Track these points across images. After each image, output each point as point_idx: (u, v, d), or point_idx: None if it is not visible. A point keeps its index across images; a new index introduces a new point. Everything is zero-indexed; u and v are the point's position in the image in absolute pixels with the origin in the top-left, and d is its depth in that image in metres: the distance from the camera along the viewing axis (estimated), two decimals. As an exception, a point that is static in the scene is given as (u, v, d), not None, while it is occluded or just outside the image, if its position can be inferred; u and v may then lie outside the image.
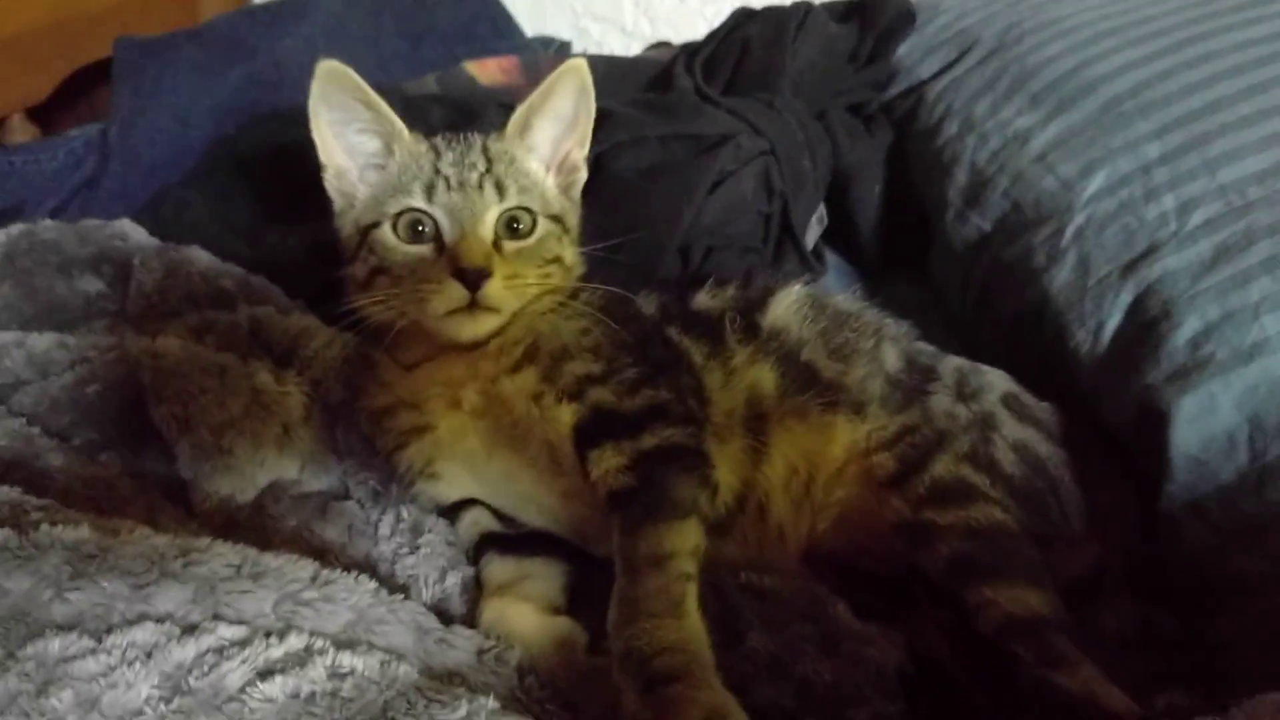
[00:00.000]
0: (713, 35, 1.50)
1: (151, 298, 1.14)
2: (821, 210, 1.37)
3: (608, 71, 1.61)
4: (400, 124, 0.99)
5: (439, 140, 1.00)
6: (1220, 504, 0.91)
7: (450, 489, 1.00)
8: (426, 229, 0.95)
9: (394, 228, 0.95)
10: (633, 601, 0.80)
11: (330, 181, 1.02)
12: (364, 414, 1.02)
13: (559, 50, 1.95)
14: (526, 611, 0.92)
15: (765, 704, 0.83)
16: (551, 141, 1.05)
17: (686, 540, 0.84)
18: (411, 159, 0.98)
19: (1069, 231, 1.10)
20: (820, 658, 0.88)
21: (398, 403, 0.98)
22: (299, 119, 1.46)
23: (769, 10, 1.47)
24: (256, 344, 1.07)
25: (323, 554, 0.96)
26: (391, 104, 1.45)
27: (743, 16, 1.49)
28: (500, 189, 0.97)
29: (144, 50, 1.48)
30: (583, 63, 1.02)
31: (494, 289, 0.92)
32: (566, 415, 0.92)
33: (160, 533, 0.82)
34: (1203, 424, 0.92)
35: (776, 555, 0.98)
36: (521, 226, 0.97)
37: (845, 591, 0.93)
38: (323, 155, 1.01)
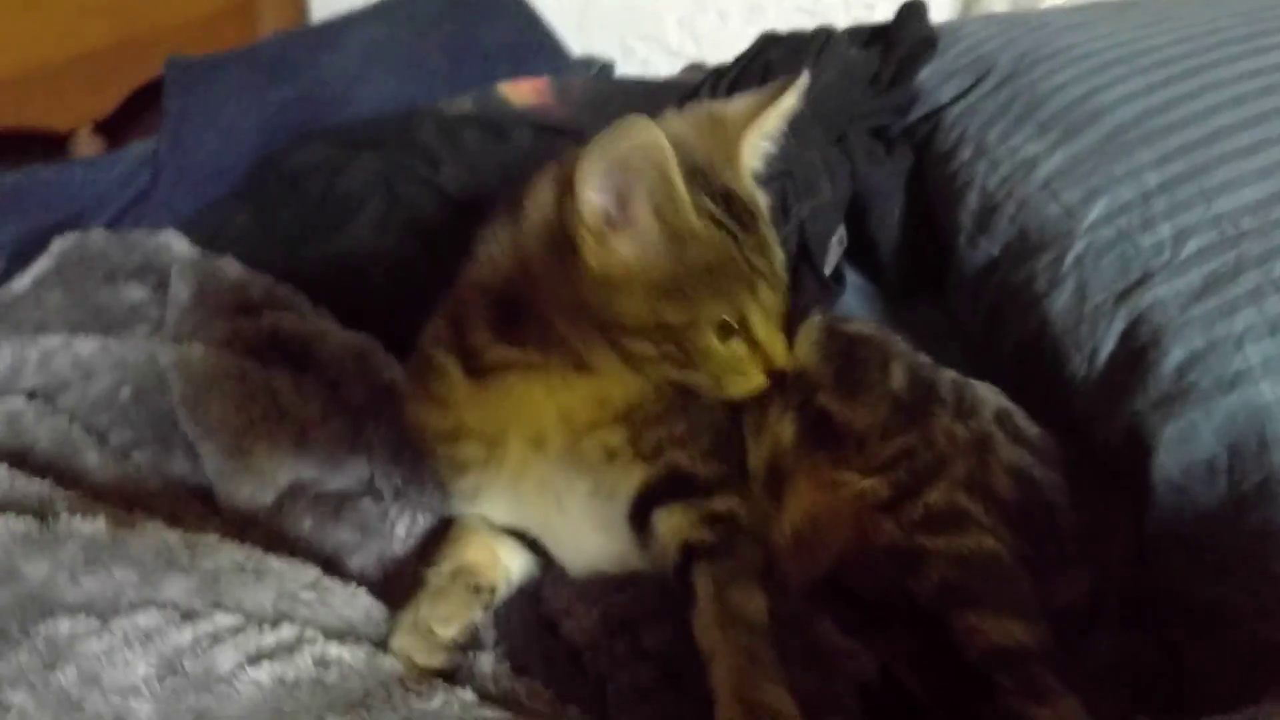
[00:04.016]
0: (738, 59, 1.54)
1: (185, 306, 1.20)
2: (841, 231, 1.40)
3: (643, 94, 1.66)
4: (688, 200, 0.86)
5: (716, 210, 0.89)
6: (1200, 533, 0.92)
7: (493, 514, 0.99)
8: (736, 325, 0.91)
9: (711, 328, 0.90)
10: (750, 663, 0.81)
11: (588, 236, 0.87)
12: (417, 432, 1.00)
13: (601, 71, 2.00)
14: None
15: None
16: (763, 156, 1.01)
17: (766, 605, 0.86)
18: (711, 248, 0.88)
19: (1069, 258, 1.11)
20: (802, 669, 0.91)
21: (463, 429, 0.95)
22: (340, 137, 1.55)
23: (792, 35, 1.50)
24: (276, 349, 1.12)
25: (335, 556, 1.02)
26: (426, 123, 1.54)
27: (767, 41, 1.52)
28: (782, 260, 0.95)
29: (193, 69, 1.56)
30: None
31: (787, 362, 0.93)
32: (638, 474, 0.93)
33: (172, 529, 0.88)
34: (1184, 452, 0.94)
35: (782, 592, 0.99)
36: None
37: (830, 606, 0.96)
38: (585, 210, 0.85)
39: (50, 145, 1.92)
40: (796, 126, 1.27)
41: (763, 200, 0.98)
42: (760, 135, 0.97)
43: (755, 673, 0.81)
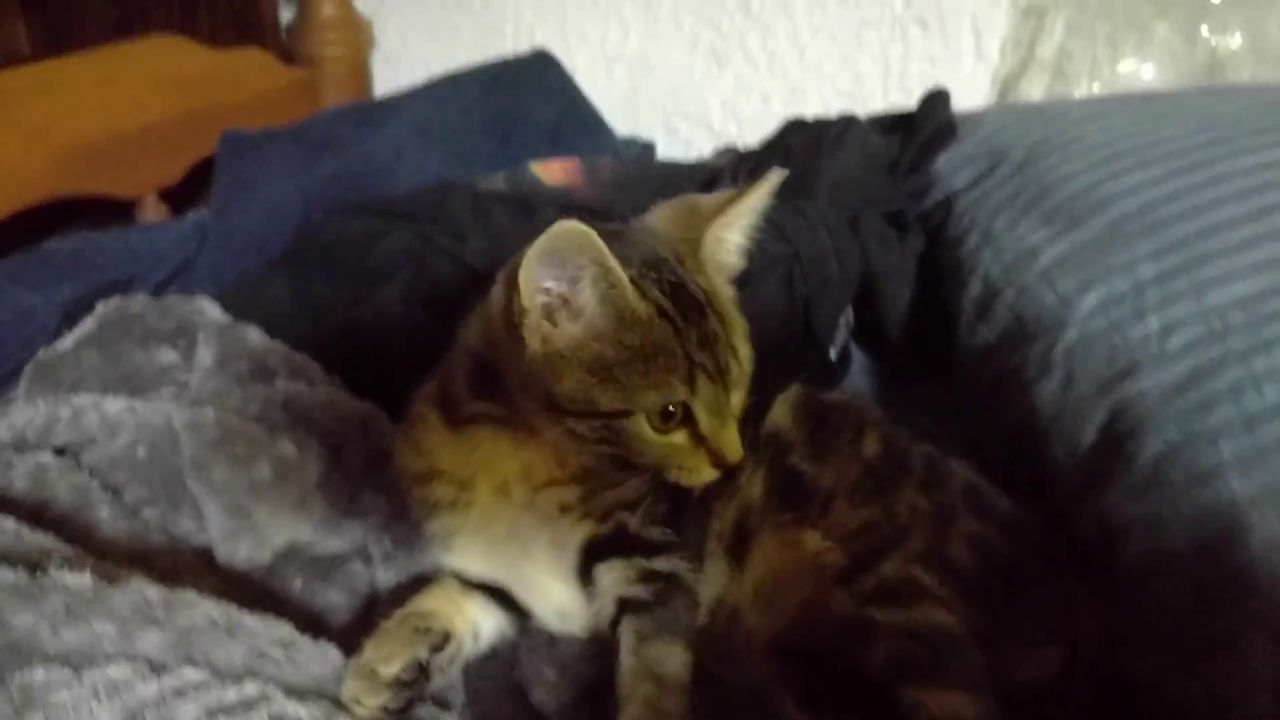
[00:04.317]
0: (764, 144, 1.57)
1: (208, 369, 1.26)
2: (849, 313, 1.41)
3: (667, 176, 1.71)
4: (630, 287, 0.88)
5: (662, 300, 0.91)
6: (1165, 627, 0.92)
7: (465, 564, 1.04)
8: (678, 414, 0.92)
9: (648, 419, 0.92)
10: (653, 715, 0.84)
11: (529, 324, 0.91)
12: (398, 475, 1.06)
13: (642, 152, 2.05)
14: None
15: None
16: (737, 251, 1.02)
17: (688, 662, 0.89)
18: (651, 335, 0.90)
19: (1059, 348, 1.12)
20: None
21: (436, 472, 1.02)
22: (376, 208, 1.61)
23: (816, 122, 1.54)
24: (288, 417, 1.17)
25: (321, 616, 1.06)
26: (459, 198, 1.60)
27: (792, 127, 1.56)
28: (737, 357, 0.95)
29: (245, 143, 1.64)
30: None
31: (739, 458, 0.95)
32: (585, 530, 0.97)
33: (153, 584, 0.92)
34: (1152, 543, 0.93)
35: (743, 652, 1.01)
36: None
37: (788, 672, 0.97)
38: (526, 301, 0.90)
39: (117, 212, 2.02)
40: (805, 209, 1.31)
41: (727, 295, 0.99)
42: (725, 229, 0.99)
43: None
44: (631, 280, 0.90)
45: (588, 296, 0.89)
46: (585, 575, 0.97)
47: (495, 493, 0.99)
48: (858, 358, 1.45)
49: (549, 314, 0.90)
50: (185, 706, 0.81)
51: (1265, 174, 1.13)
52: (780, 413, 1.07)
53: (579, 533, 0.97)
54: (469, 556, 1.03)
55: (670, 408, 0.92)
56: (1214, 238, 1.09)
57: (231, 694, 0.83)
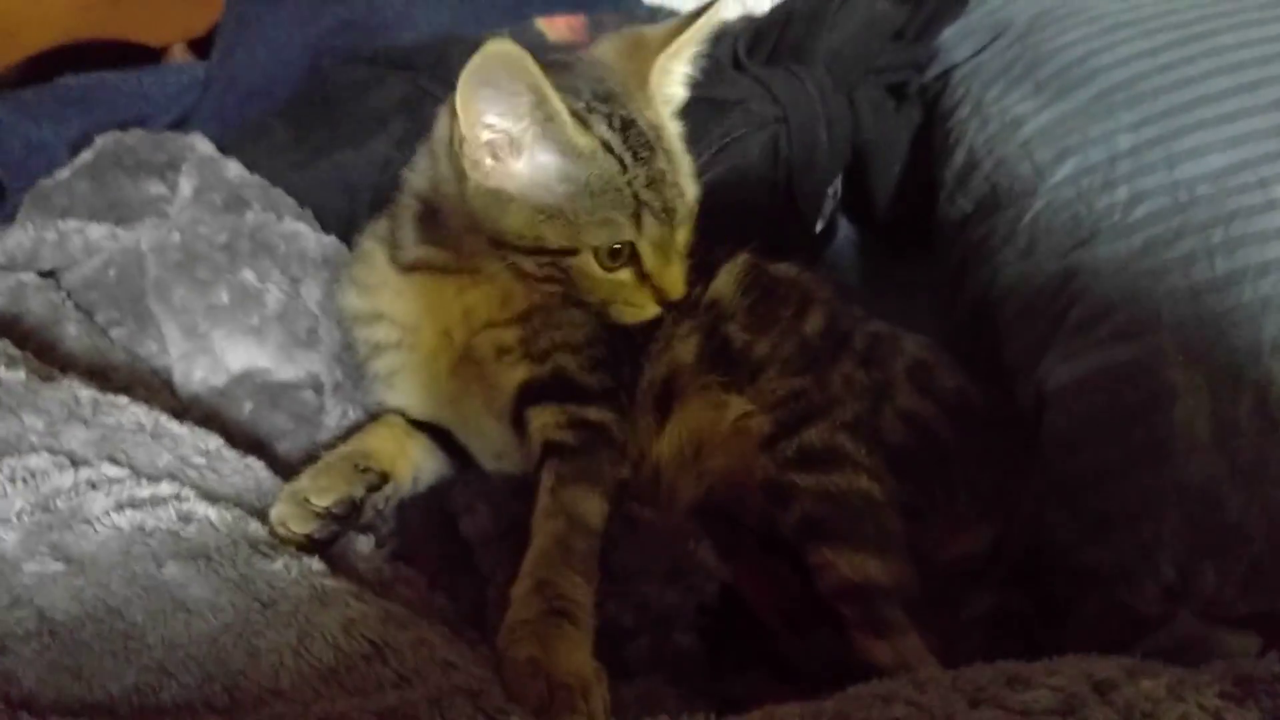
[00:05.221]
0: (773, 7, 1.53)
1: (186, 199, 1.27)
2: (837, 183, 1.39)
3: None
4: (569, 120, 0.88)
5: (610, 135, 0.91)
6: (1085, 492, 0.90)
7: (407, 403, 1.05)
8: (624, 251, 0.93)
9: (595, 256, 0.93)
10: (558, 549, 0.85)
11: (469, 154, 0.91)
12: (341, 314, 1.09)
13: (655, 13, 1.99)
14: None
15: (607, 621, 0.88)
16: (683, 82, 1.02)
17: (604, 511, 0.90)
18: (596, 171, 0.90)
19: (1027, 216, 1.09)
20: (664, 584, 0.93)
21: (379, 315, 1.04)
22: (377, 58, 1.60)
23: (821, -14, 1.49)
24: (253, 246, 1.18)
25: (266, 440, 1.09)
26: (458, 51, 1.58)
27: (798, -9, 1.51)
28: (683, 196, 0.95)
29: (255, -13, 1.64)
30: None
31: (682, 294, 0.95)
32: (521, 373, 0.98)
33: (86, 386, 0.95)
34: (1077, 405, 0.92)
35: (667, 507, 1.02)
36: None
37: (708, 527, 0.97)
38: (465, 129, 0.89)
39: (146, 59, 2.03)
40: (799, 73, 1.28)
41: (674, 130, 0.98)
42: (672, 60, 0.98)
43: (561, 559, 0.84)
44: (576, 114, 0.89)
45: (528, 129, 0.88)
46: (519, 418, 0.98)
47: (438, 335, 1.01)
48: (843, 230, 1.43)
49: (493, 151, 0.90)
50: (96, 497, 0.83)
51: (1261, 48, 1.08)
52: (724, 281, 1.06)
53: (517, 374, 0.98)
54: (410, 397, 1.05)
55: (617, 246, 0.92)
56: (1198, 110, 1.05)
57: (145, 491, 0.85)
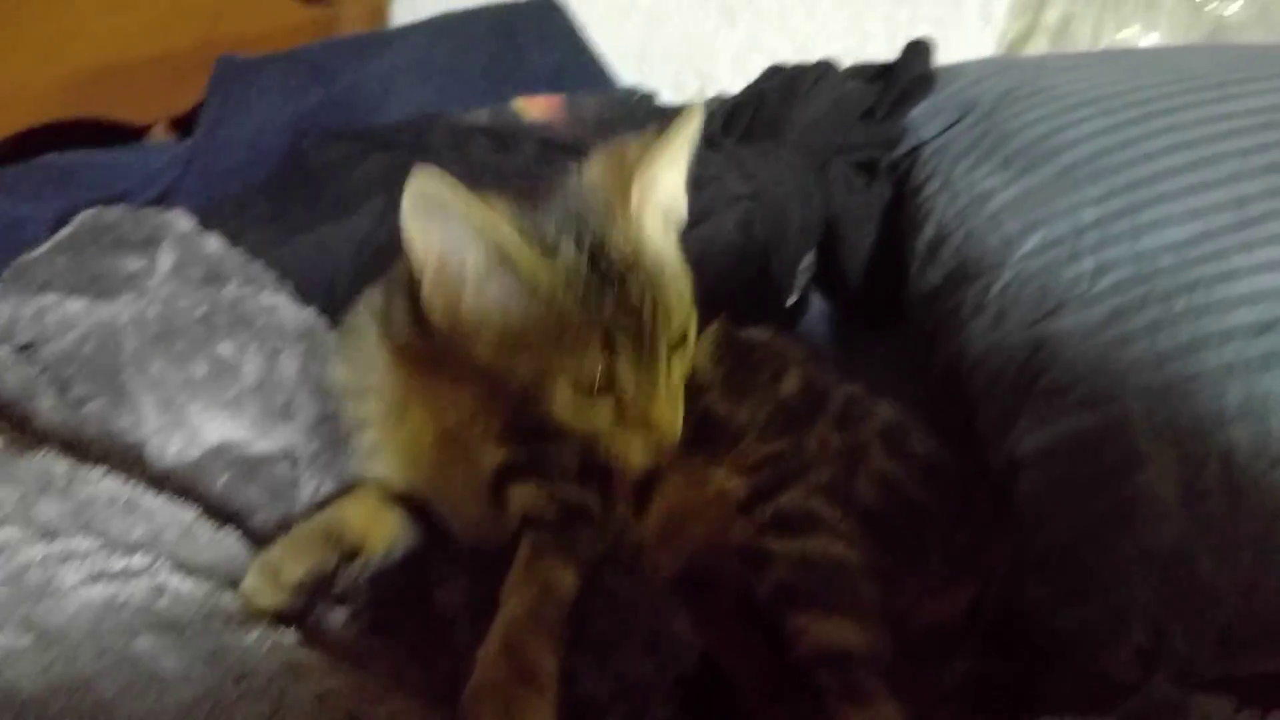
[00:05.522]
0: (746, 89, 1.57)
1: (165, 273, 1.28)
2: (811, 257, 1.41)
3: (649, 116, 1.70)
4: (519, 245, 0.84)
5: (575, 258, 0.86)
6: (1059, 556, 0.91)
7: (388, 476, 1.04)
8: (603, 381, 0.88)
9: (571, 388, 0.89)
10: (528, 617, 0.84)
11: (425, 291, 0.89)
12: (331, 384, 1.08)
13: (640, 100, 2.04)
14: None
15: (584, 693, 0.88)
16: (673, 192, 0.95)
17: (575, 586, 0.89)
18: (559, 297, 0.86)
19: (996, 287, 1.11)
20: (641, 655, 0.92)
21: (370, 389, 1.02)
22: (360, 136, 1.63)
23: (794, 67, 1.53)
24: (232, 319, 1.19)
25: (239, 513, 1.08)
26: (440, 130, 1.61)
27: (771, 72, 1.55)
28: (667, 313, 0.89)
29: (237, 68, 1.66)
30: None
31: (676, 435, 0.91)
32: (503, 452, 0.96)
33: (63, 459, 0.95)
34: (1050, 468, 0.93)
35: (646, 581, 1.00)
36: (685, 337, 0.92)
37: (688, 600, 0.97)
38: (417, 262, 0.87)
39: (128, 138, 2.06)
40: (772, 151, 1.31)
41: (663, 247, 0.93)
42: (655, 170, 0.92)
43: (531, 627, 0.83)
44: (538, 238, 0.86)
45: (477, 260, 0.85)
46: (499, 493, 0.97)
47: (424, 414, 1.00)
48: (817, 303, 1.45)
49: (445, 287, 0.87)
50: (68, 570, 0.83)
51: (1217, 125, 1.11)
52: (699, 355, 1.01)
53: (499, 453, 0.97)
54: (392, 470, 1.04)
55: (594, 377, 0.88)
56: (1159, 184, 1.08)
57: (118, 563, 0.85)
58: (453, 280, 0.87)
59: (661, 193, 0.94)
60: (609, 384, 0.88)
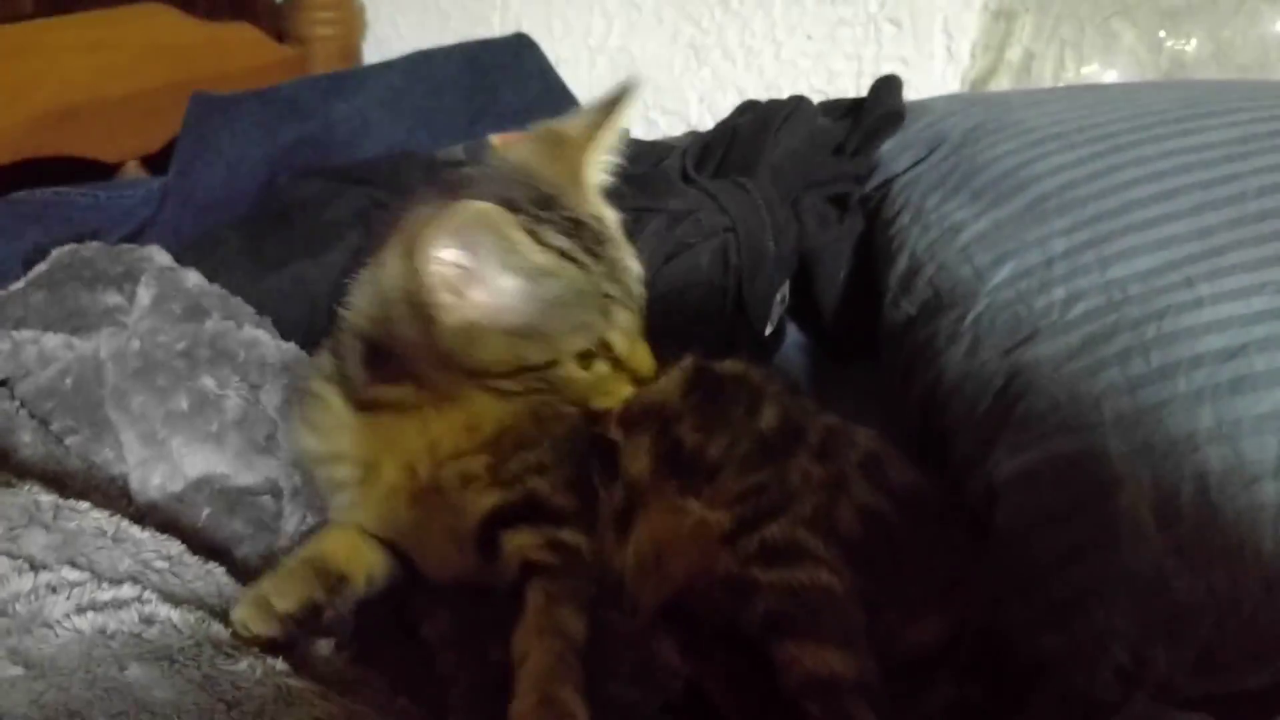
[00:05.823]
0: (718, 124, 1.60)
1: (145, 308, 1.28)
2: (785, 290, 1.43)
3: (635, 153, 1.73)
4: (524, 239, 0.89)
5: (564, 243, 0.92)
6: (1037, 583, 0.93)
7: (366, 525, 1.04)
8: (599, 347, 0.96)
9: (573, 360, 0.95)
10: (560, 665, 0.85)
11: (429, 297, 0.92)
12: (300, 455, 1.09)
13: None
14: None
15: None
16: (608, 169, 1.04)
17: (586, 630, 0.90)
18: (562, 282, 0.92)
19: (969, 318, 1.13)
20: (627, 684, 0.93)
21: (339, 455, 1.04)
22: (334, 173, 1.64)
23: (766, 103, 1.56)
24: (213, 353, 1.19)
25: (224, 546, 1.08)
26: (415, 166, 1.62)
27: (744, 106, 1.58)
28: (637, 276, 0.99)
29: (212, 105, 1.67)
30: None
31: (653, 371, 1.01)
32: (491, 499, 0.98)
33: (49, 492, 0.94)
34: (1027, 497, 0.94)
35: (631, 612, 1.01)
36: None
37: (672, 630, 0.98)
38: (428, 279, 0.90)
39: (100, 176, 2.06)
40: (745, 185, 1.33)
41: (611, 217, 1.01)
42: (601, 152, 1.01)
43: (563, 676, 0.84)
44: (529, 230, 0.90)
45: (492, 265, 0.89)
46: (487, 540, 0.98)
47: (400, 470, 1.01)
48: (793, 334, 1.47)
49: (453, 288, 0.91)
50: (57, 601, 0.83)
51: (1180, 158, 1.14)
52: (667, 384, 1.05)
53: (487, 500, 0.98)
54: (370, 523, 1.04)
55: (595, 345, 0.95)
56: (1124, 215, 1.11)
57: (106, 594, 0.85)
58: (460, 278, 0.90)
59: (600, 169, 1.02)
60: (606, 348, 0.96)
